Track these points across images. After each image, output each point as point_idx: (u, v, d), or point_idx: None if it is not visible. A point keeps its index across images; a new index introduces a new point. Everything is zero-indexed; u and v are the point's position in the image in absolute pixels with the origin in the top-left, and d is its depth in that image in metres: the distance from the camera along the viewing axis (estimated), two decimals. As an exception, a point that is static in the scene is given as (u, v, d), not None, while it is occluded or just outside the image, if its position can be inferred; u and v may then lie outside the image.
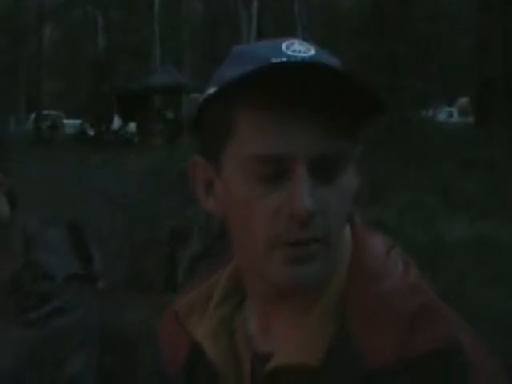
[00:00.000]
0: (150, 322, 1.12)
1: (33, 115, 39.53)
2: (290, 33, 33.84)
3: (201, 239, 4.84)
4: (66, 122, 40.08)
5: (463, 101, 39.72)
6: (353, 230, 0.98)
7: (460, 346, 0.87)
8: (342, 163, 0.90)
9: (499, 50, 23.01)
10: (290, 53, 0.91)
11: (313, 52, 0.92)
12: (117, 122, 32.31)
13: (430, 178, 13.04)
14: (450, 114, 39.33)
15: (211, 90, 0.93)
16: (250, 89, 0.87)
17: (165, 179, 13.82)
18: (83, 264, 2.49)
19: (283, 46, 0.91)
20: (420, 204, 11.11)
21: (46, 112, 38.67)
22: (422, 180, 12.81)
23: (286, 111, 0.88)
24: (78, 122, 36.52)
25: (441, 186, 12.28)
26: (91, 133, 32.87)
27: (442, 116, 34.80)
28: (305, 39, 0.96)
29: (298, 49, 0.92)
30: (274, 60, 0.89)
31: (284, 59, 0.89)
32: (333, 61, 0.93)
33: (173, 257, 5.08)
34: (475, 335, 0.91)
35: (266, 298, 0.96)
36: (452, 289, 6.07)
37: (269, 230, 0.89)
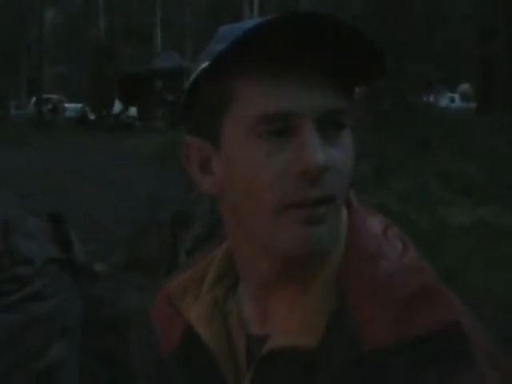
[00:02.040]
0: (153, 305, 1.10)
1: (33, 99, 39.50)
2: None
3: (203, 223, 4.83)
4: (67, 105, 40.06)
5: (465, 86, 39.67)
6: (349, 210, 0.96)
7: (459, 328, 0.86)
8: (344, 122, 0.89)
9: (502, 36, 22.95)
10: None
11: None
12: (117, 106, 32.26)
13: (433, 163, 13.03)
14: (452, 100, 39.27)
15: (204, 64, 0.91)
16: (248, 52, 0.86)
17: (167, 163, 13.83)
18: (63, 251, 2.48)
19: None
20: (422, 189, 11.10)
21: (47, 95, 38.62)
22: (424, 165, 12.80)
23: (288, 69, 0.86)
24: (80, 105, 36.50)
25: (443, 172, 12.26)
26: (92, 117, 32.85)
27: (444, 101, 34.73)
28: None
29: None
30: None
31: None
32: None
33: (175, 240, 5.08)
34: (476, 319, 0.89)
35: (263, 278, 0.94)
36: (454, 274, 6.08)
37: (278, 191, 0.87)
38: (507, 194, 10.62)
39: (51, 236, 2.48)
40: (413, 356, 0.84)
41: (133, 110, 31.32)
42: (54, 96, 40.67)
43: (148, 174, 13.89)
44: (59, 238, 2.50)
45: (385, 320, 0.86)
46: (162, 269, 4.54)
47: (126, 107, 31.68)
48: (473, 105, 29.69)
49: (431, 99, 26.82)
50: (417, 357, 0.84)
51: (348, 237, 0.94)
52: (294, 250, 0.88)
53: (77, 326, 2.45)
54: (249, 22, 0.89)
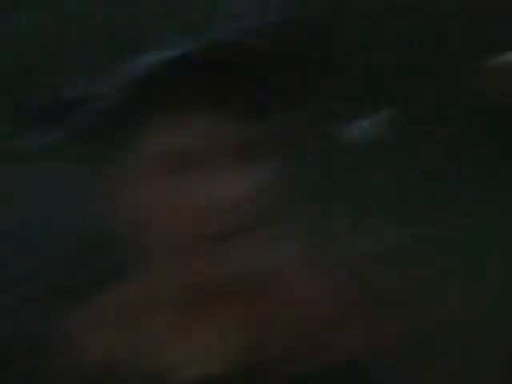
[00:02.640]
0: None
1: None
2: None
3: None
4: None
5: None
6: (271, 232, 0.95)
7: (369, 357, 0.88)
8: (256, 152, 0.90)
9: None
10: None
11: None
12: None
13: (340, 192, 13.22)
14: (364, 128, 40.29)
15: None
16: (160, 83, 0.87)
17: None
18: None
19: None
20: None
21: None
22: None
23: (199, 102, 0.88)
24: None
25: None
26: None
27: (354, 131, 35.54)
28: None
29: None
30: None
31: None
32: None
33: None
34: (394, 343, 0.89)
35: (178, 304, 0.93)
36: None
37: (189, 225, 0.87)
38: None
39: None
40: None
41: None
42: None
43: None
44: None
45: (298, 346, 0.88)
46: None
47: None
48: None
49: (342, 129, 27.31)
50: None
51: (266, 259, 0.94)
52: (206, 282, 0.89)
53: None
54: (159, 54, 0.91)
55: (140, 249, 0.93)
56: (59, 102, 0.91)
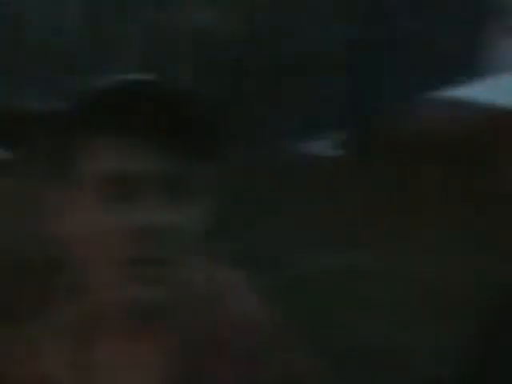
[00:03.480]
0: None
1: None
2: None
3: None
4: None
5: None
6: (201, 263, 0.99)
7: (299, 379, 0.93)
8: (186, 186, 0.93)
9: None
10: None
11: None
12: None
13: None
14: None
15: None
16: (97, 112, 0.90)
17: None
18: None
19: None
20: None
21: None
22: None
23: (133, 132, 0.90)
24: None
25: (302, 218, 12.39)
26: None
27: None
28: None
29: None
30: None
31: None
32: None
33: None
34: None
35: (86, 330, 0.95)
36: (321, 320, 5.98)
37: (113, 248, 0.90)
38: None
39: None
40: None
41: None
42: None
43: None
44: None
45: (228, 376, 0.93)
46: None
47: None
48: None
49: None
50: None
51: (192, 288, 0.99)
52: (126, 305, 0.93)
53: None
54: (95, 81, 0.94)
55: (72, 270, 0.94)
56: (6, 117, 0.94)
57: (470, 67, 10.26)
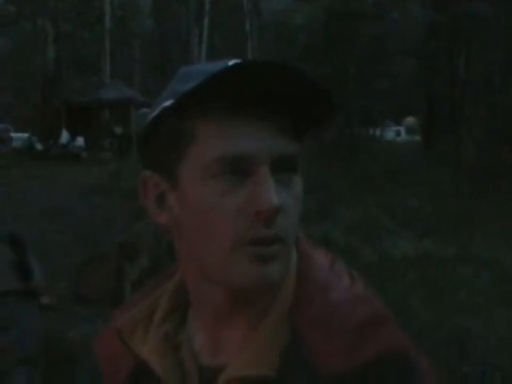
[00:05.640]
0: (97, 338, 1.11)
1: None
2: (241, 49, 33.96)
3: (149, 255, 4.84)
4: (13, 135, 39.54)
5: (410, 119, 40.26)
6: (297, 244, 0.99)
7: (407, 352, 0.91)
8: (296, 166, 0.93)
9: (446, 72, 23.47)
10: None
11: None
12: (65, 136, 31.98)
13: (377, 196, 13.19)
14: (398, 133, 39.83)
15: (166, 103, 0.94)
16: (209, 95, 0.89)
17: (113, 194, 13.75)
18: (21, 279, 2.45)
19: (229, 63, 0.92)
20: (366, 222, 11.23)
21: (-8, 125, 38.06)
22: (368, 198, 12.95)
23: (246, 113, 0.90)
24: (26, 135, 36.08)
25: (386, 204, 12.42)
26: (39, 147, 32.48)
27: (389, 135, 35.17)
28: (255, 56, 0.96)
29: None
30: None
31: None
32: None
33: (121, 273, 5.06)
34: (418, 348, 0.94)
35: (217, 309, 0.97)
36: (397, 304, 6.16)
37: (232, 230, 0.90)
38: (449, 225, 10.80)
39: (10, 262, 2.45)
40: (366, 380, 0.88)
41: (80, 140, 31.08)
42: (1, 125, 40.13)
43: (94, 205, 13.78)
44: (19, 265, 2.47)
45: (337, 347, 0.90)
46: (108, 301, 4.53)
47: (73, 137, 31.42)
48: (418, 138, 30.14)
49: (377, 132, 27.18)
50: (370, 381, 0.88)
51: (298, 270, 0.97)
52: (247, 286, 0.91)
53: (37, 356, 2.42)
54: (210, 66, 0.93)
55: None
56: None
57: None
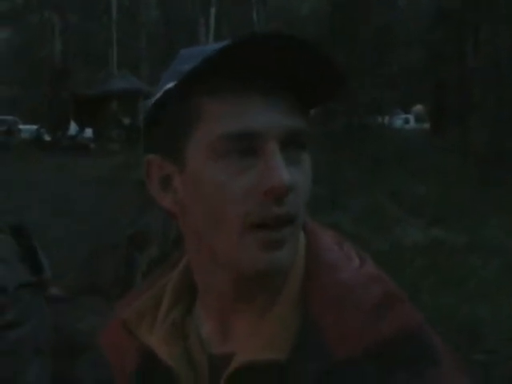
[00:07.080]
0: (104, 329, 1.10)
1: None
2: (248, 39, 33.73)
3: (158, 244, 4.84)
4: (21, 127, 39.58)
5: (419, 107, 40.11)
6: (305, 227, 0.97)
7: (422, 330, 0.90)
8: (304, 142, 0.91)
9: (454, 59, 23.39)
10: None
11: None
12: (73, 128, 32.01)
13: (386, 183, 13.16)
14: (407, 120, 39.69)
15: (169, 85, 0.93)
16: (215, 71, 0.87)
17: (121, 185, 13.76)
18: (33, 271, 2.45)
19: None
20: (376, 210, 11.21)
21: (1, 117, 38.13)
22: (377, 186, 12.93)
23: (252, 89, 0.88)
24: (34, 127, 36.12)
25: (396, 192, 12.40)
26: (47, 138, 32.51)
27: (398, 122, 35.06)
28: None
29: None
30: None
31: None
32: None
33: (131, 263, 5.07)
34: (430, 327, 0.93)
35: (225, 295, 0.95)
36: (408, 292, 6.14)
37: (241, 209, 0.87)
38: (459, 213, 10.78)
39: (19, 254, 2.44)
40: (382, 360, 0.86)
41: (88, 132, 31.11)
42: (9, 117, 40.18)
43: (102, 196, 13.79)
44: (27, 257, 2.46)
45: (352, 328, 0.88)
46: (117, 291, 4.54)
47: (81, 129, 31.44)
48: (426, 125, 30.06)
49: (385, 120, 27.11)
50: (386, 360, 0.86)
51: (307, 252, 0.96)
52: (256, 272, 0.90)
53: (48, 347, 2.43)
54: (211, 45, 0.91)
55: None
56: None
57: None
